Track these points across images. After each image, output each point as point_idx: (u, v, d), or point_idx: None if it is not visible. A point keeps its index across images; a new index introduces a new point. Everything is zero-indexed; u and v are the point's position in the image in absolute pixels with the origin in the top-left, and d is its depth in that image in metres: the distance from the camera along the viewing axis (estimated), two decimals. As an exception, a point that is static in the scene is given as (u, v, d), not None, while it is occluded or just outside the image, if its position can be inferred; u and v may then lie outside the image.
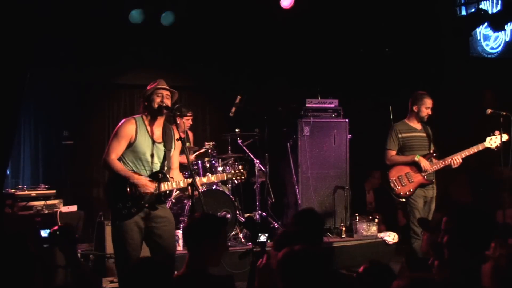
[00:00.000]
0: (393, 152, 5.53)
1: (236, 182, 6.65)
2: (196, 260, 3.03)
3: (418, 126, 5.60)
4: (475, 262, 2.47)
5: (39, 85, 6.91)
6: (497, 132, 5.39)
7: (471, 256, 2.57)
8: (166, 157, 4.25)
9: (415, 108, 5.56)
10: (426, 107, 5.53)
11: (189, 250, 3.11)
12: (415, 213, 5.38)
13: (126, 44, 7.15)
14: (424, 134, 5.58)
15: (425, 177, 5.42)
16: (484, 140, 5.43)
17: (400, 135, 5.53)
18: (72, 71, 7.19)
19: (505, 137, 5.39)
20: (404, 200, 5.44)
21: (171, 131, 4.34)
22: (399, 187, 5.43)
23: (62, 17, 6.28)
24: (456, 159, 5.39)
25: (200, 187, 4.20)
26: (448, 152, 5.55)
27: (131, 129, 4.15)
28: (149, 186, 4.09)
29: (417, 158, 5.42)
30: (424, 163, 5.40)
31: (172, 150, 4.31)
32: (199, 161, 6.49)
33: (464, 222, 2.68)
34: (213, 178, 4.66)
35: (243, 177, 4.68)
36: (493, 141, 5.40)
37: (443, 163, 5.43)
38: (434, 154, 5.50)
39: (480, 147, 5.43)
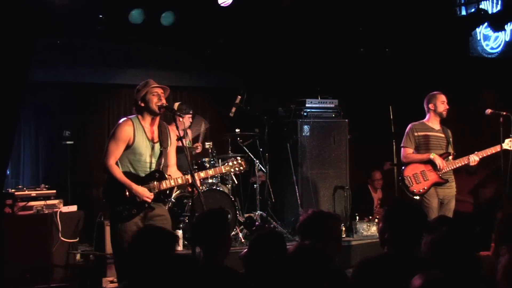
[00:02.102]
0: (409, 150, 5.51)
1: (234, 175, 6.60)
2: (211, 255, 3.05)
3: (436, 126, 5.59)
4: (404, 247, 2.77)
5: (39, 85, 6.91)
6: None
7: (396, 242, 2.81)
8: (163, 155, 4.25)
9: (431, 106, 5.56)
10: (442, 101, 5.55)
11: (202, 247, 3.10)
12: (429, 212, 5.23)
13: (126, 43, 7.15)
14: (442, 135, 5.56)
15: (440, 175, 5.40)
16: (503, 142, 5.40)
17: (416, 134, 5.51)
18: (72, 71, 7.18)
19: None
20: (418, 197, 5.40)
21: (166, 129, 4.34)
22: (413, 185, 5.41)
23: (62, 16, 6.27)
24: (473, 157, 5.38)
25: (199, 185, 4.18)
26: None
27: (129, 131, 4.14)
28: (147, 195, 4.09)
29: (432, 156, 5.38)
30: (438, 161, 5.37)
31: (168, 148, 4.31)
32: (199, 161, 6.48)
33: (389, 212, 2.95)
34: (210, 172, 4.61)
35: (241, 168, 4.60)
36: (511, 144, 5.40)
37: (460, 162, 5.42)
38: (451, 154, 5.48)
39: (498, 148, 5.41)
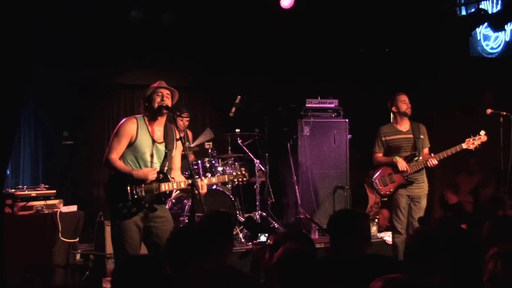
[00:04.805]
0: (379, 154, 5.73)
1: (240, 183, 6.64)
2: (219, 257, 3.02)
3: (404, 127, 5.70)
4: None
5: (39, 85, 6.91)
6: (478, 133, 5.50)
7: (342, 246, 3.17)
8: (168, 158, 4.25)
9: (394, 109, 5.72)
10: (402, 101, 5.67)
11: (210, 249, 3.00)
12: (397, 211, 5.60)
13: (126, 44, 7.15)
14: (410, 136, 5.66)
15: (405, 177, 5.57)
16: (463, 141, 5.52)
17: (384, 138, 5.69)
18: (72, 71, 7.18)
19: (483, 138, 5.50)
20: (386, 198, 5.65)
21: (172, 131, 4.34)
22: (381, 187, 5.64)
23: (62, 16, 6.27)
24: (431, 161, 5.49)
25: (201, 189, 4.17)
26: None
27: (132, 128, 4.15)
28: (151, 173, 4.10)
29: (396, 159, 5.57)
30: (400, 164, 5.53)
31: (174, 150, 4.31)
32: (199, 161, 6.48)
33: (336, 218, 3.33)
34: (214, 180, 4.65)
35: (244, 179, 4.67)
36: (470, 143, 5.50)
37: (421, 164, 5.55)
38: (417, 156, 5.58)
39: (458, 148, 5.51)
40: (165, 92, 4.23)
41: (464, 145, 5.50)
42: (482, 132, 5.49)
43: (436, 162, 5.49)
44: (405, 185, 5.59)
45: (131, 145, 4.15)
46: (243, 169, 4.76)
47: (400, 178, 5.59)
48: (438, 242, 2.70)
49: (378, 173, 5.69)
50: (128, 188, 4.07)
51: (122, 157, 4.16)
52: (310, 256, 2.62)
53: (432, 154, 5.49)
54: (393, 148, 5.65)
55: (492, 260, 2.36)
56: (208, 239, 2.92)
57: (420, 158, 5.58)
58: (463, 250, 2.67)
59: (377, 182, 5.65)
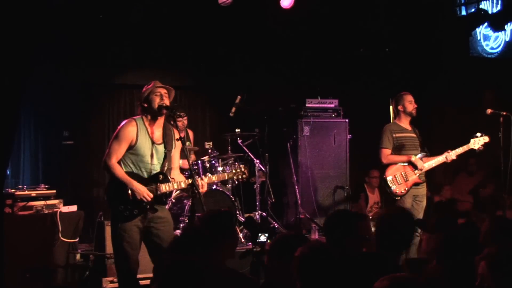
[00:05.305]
0: (389, 151, 5.59)
1: (237, 182, 6.65)
2: (217, 257, 3.00)
3: (408, 127, 5.69)
4: None
5: (39, 85, 6.91)
6: (479, 134, 5.50)
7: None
8: (167, 158, 4.24)
9: (400, 108, 5.66)
10: (409, 101, 5.64)
11: (208, 249, 3.01)
12: None
13: (126, 43, 7.15)
14: (414, 135, 5.67)
15: (418, 176, 5.52)
16: (469, 141, 5.51)
17: (394, 135, 5.60)
18: (72, 71, 7.19)
19: (486, 139, 5.50)
20: (399, 198, 5.50)
21: (171, 131, 4.33)
22: (395, 186, 5.51)
23: (62, 16, 6.27)
24: (450, 156, 5.48)
25: (201, 188, 4.17)
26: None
27: (132, 131, 4.13)
28: (147, 195, 4.08)
29: (414, 158, 5.50)
30: (419, 163, 5.49)
31: (173, 150, 4.31)
32: (199, 161, 6.49)
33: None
34: (214, 178, 4.62)
35: (244, 176, 4.64)
36: (476, 143, 5.50)
37: (437, 163, 5.52)
38: (426, 154, 5.58)
39: (465, 148, 5.51)
40: (163, 91, 4.22)
41: (470, 145, 5.50)
42: (479, 134, 5.50)
43: (455, 157, 5.49)
44: (418, 183, 5.53)
45: (131, 148, 4.13)
46: (242, 166, 4.71)
47: (415, 177, 5.50)
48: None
49: (389, 171, 5.55)
50: (129, 190, 4.07)
51: (122, 159, 4.14)
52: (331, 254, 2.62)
53: (449, 151, 5.48)
54: (400, 146, 5.59)
55: (480, 262, 2.37)
56: (205, 239, 2.92)
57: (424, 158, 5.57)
58: (462, 248, 2.66)
59: (392, 181, 5.50)
